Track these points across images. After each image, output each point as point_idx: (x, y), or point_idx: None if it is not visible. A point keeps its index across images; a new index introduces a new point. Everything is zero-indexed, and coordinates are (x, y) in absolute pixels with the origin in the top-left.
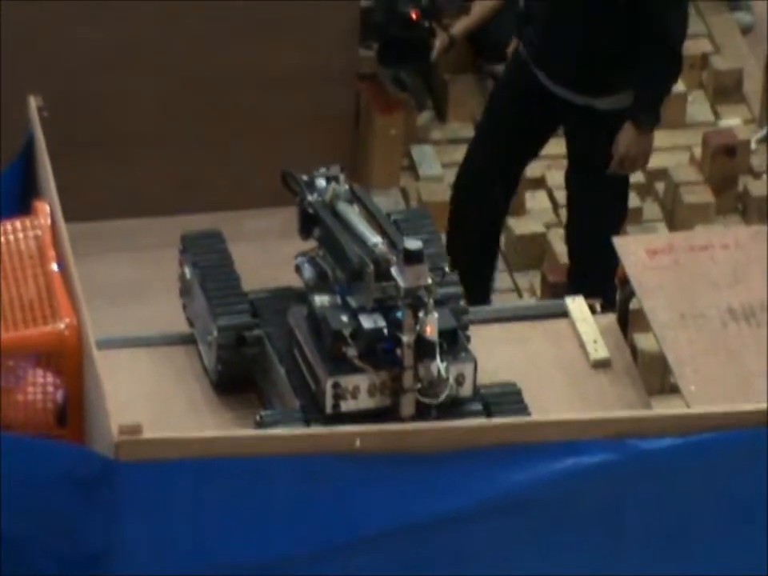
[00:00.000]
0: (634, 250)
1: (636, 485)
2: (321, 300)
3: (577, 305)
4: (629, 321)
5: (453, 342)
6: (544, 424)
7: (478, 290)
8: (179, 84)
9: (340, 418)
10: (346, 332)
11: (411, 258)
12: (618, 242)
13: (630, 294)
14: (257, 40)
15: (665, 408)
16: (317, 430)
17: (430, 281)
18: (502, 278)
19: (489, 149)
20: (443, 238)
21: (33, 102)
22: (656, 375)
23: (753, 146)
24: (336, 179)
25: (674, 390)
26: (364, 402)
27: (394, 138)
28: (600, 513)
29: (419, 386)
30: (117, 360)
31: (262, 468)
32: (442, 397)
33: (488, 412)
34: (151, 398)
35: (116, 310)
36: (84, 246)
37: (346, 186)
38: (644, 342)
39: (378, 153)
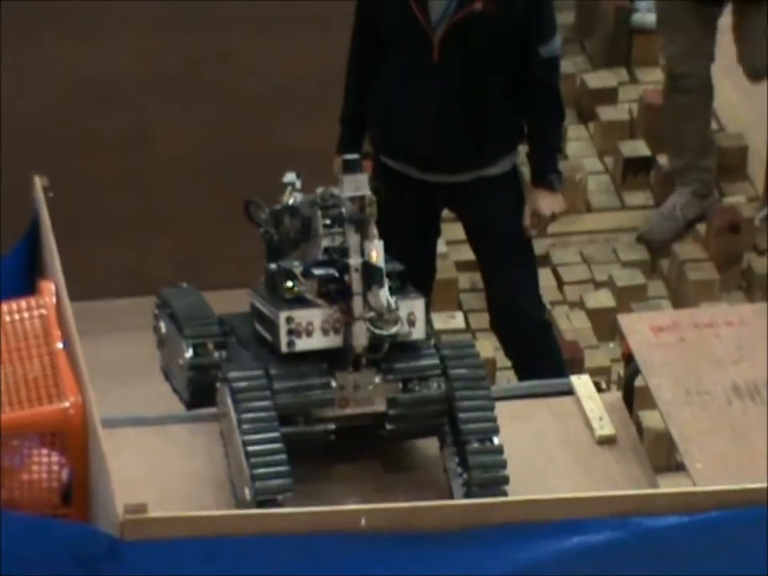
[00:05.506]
0: (638, 327)
1: (642, 563)
2: (275, 264)
3: (582, 382)
4: (634, 398)
5: (401, 284)
6: (549, 502)
7: None
8: (185, 167)
9: (296, 357)
10: (297, 270)
11: (350, 167)
12: (623, 319)
13: (635, 371)
14: (257, 120)
15: (671, 486)
16: (322, 508)
17: (369, 192)
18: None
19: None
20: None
21: (38, 182)
22: (662, 452)
23: (756, 223)
24: (293, 185)
25: (679, 467)
26: (318, 340)
27: None
28: None
29: (370, 314)
30: (122, 439)
31: (267, 546)
32: (394, 329)
33: (443, 361)
34: (156, 477)
35: (121, 388)
36: (89, 324)
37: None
38: (649, 419)
39: None
